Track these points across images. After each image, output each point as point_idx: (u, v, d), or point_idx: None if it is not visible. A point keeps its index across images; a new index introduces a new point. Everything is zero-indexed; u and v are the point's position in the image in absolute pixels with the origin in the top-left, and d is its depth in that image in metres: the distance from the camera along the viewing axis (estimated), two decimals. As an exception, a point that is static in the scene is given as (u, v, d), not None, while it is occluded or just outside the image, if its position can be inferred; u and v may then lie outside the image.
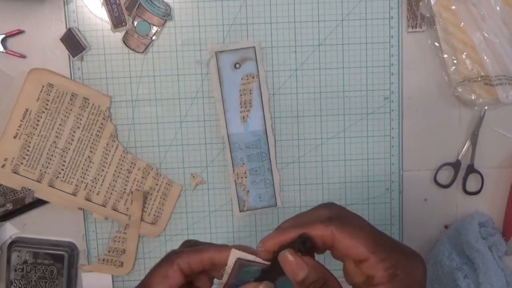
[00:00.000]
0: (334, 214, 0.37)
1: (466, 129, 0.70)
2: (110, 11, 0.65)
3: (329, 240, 0.35)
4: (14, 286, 0.69)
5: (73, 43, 0.66)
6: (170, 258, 0.39)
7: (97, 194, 0.68)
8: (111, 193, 0.69)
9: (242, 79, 0.68)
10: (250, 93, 0.68)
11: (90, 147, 0.68)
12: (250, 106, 0.69)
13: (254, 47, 0.67)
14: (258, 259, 0.39)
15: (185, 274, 0.38)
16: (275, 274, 0.39)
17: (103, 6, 0.66)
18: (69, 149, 0.67)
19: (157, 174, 0.69)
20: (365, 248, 0.33)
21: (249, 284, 0.38)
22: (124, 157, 0.69)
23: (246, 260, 0.39)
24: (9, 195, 0.68)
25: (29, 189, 0.68)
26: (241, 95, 0.68)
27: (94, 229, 0.70)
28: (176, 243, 0.71)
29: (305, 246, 0.36)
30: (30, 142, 0.66)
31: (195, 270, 0.39)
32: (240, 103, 0.68)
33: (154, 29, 0.66)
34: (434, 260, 0.70)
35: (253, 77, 0.68)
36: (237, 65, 0.68)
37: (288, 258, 0.35)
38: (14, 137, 0.66)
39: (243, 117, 0.69)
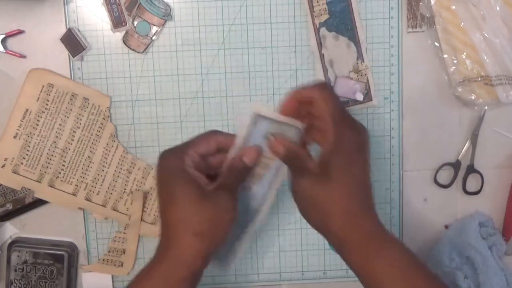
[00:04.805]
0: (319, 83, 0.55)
1: (466, 129, 0.70)
2: (110, 11, 0.65)
3: (311, 97, 0.52)
4: (14, 286, 0.69)
5: (73, 43, 0.66)
6: (211, 130, 0.56)
7: (97, 194, 0.68)
8: (111, 193, 0.69)
9: (242, 79, 0.68)
10: (250, 93, 0.68)
11: (90, 147, 0.68)
12: (250, 106, 0.68)
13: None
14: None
15: (217, 146, 0.55)
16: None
17: (103, 6, 0.66)
18: (69, 149, 0.67)
19: (157, 174, 0.69)
20: (325, 106, 0.51)
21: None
22: (124, 157, 0.69)
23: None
24: (9, 195, 0.68)
25: (29, 189, 0.68)
26: (241, 95, 0.68)
27: (94, 229, 0.70)
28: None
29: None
30: (30, 142, 0.66)
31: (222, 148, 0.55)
32: (240, 103, 0.68)
33: (154, 29, 0.66)
34: (434, 260, 0.70)
35: (253, 77, 0.68)
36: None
37: (273, 140, 0.54)
38: (14, 137, 0.66)
39: (243, 117, 0.68)
